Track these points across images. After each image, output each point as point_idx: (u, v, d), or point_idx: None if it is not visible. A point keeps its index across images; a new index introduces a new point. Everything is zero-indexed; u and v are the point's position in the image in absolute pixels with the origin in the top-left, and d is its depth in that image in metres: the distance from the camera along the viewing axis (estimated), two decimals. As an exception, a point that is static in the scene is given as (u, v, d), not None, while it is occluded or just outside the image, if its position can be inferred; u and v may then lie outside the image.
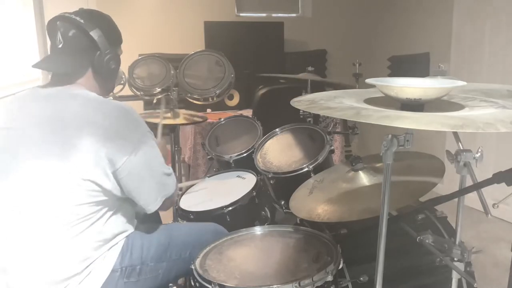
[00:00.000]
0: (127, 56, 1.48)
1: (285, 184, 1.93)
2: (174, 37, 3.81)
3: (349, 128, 2.59)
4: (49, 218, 1.21)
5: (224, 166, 2.29)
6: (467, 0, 3.29)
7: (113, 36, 1.37)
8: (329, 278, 1.21)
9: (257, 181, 2.00)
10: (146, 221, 1.52)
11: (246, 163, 2.17)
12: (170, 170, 1.41)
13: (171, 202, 1.47)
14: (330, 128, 2.98)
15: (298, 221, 1.67)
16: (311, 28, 4.29)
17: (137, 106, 3.04)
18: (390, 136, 1.02)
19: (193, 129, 3.13)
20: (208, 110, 3.44)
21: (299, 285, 1.17)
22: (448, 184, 1.68)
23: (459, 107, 1.08)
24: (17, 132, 1.25)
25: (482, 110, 1.03)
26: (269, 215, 2.00)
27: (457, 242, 1.17)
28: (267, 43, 3.92)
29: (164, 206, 1.41)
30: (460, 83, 1.08)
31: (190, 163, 3.16)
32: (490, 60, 3.14)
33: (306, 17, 4.35)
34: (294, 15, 4.36)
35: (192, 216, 1.86)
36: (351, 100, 1.15)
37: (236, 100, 3.68)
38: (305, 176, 1.83)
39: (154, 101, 2.28)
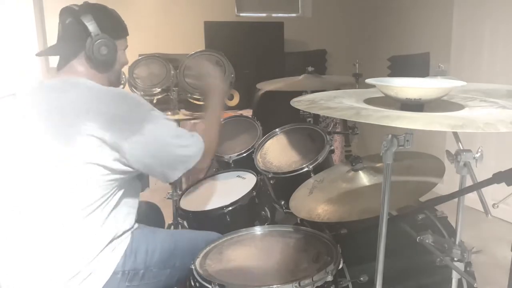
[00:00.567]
0: (127, 56, 1.49)
1: (285, 184, 1.93)
2: (174, 37, 3.82)
3: (349, 128, 2.59)
4: (52, 213, 1.21)
5: (224, 166, 2.29)
6: (467, 0, 3.29)
7: (107, 24, 1.36)
8: (329, 278, 1.21)
9: (257, 181, 2.00)
10: (150, 224, 1.51)
11: (246, 163, 2.17)
12: (189, 141, 1.35)
13: (199, 170, 1.41)
14: (330, 128, 2.99)
15: (298, 221, 1.67)
16: (311, 28, 4.30)
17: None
18: (390, 136, 1.02)
19: (193, 129, 3.11)
20: (208, 110, 3.43)
21: (299, 285, 1.17)
22: (448, 184, 1.68)
23: (459, 107, 1.07)
24: (23, 125, 1.25)
25: (482, 110, 1.03)
26: (269, 215, 1.99)
27: (457, 242, 1.17)
28: (267, 43, 3.92)
29: (190, 173, 1.36)
30: (460, 83, 1.09)
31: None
32: (490, 60, 3.14)
33: (306, 17, 4.35)
34: (294, 15, 4.36)
35: (192, 216, 1.86)
36: (351, 100, 1.15)
37: (236, 100, 3.67)
38: (305, 176, 1.83)
39: (154, 101, 2.27)
